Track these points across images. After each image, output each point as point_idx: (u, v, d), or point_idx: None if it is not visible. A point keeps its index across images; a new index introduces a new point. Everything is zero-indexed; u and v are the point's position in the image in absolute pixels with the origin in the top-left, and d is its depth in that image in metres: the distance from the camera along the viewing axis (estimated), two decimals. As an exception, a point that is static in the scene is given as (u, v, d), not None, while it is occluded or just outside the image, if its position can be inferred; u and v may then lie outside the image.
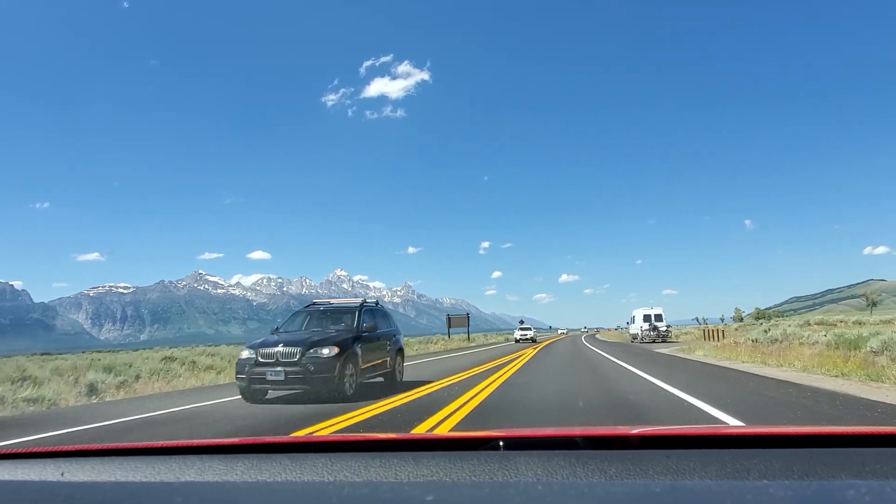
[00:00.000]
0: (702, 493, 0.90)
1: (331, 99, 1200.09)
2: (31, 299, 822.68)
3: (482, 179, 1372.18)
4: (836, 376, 9.80)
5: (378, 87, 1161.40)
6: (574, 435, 1.35)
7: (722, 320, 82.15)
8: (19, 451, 1.44)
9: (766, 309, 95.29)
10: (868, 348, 11.08)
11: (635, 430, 1.40)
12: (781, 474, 1.00)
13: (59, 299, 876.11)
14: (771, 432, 1.34)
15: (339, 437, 1.49)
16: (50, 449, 1.46)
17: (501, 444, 1.32)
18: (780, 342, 16.39)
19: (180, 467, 1.23)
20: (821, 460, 1.05)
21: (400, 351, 11.19)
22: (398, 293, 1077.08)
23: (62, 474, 1.24)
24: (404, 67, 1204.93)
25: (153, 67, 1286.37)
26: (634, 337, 37.03)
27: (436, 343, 40.95)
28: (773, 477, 0.99)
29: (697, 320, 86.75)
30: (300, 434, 5.62)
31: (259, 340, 8.91)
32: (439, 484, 1.04)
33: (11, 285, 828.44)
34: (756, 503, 0.81)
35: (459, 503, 0.91)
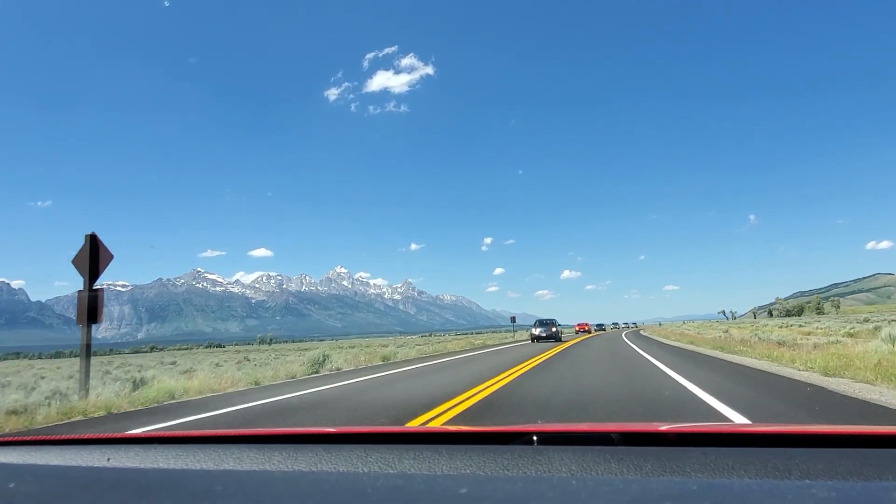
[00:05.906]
0: (740, 491, 0.87)
1: (333, 93, 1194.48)
2: (27, 298, 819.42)
3: (486, 176, 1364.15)
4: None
5: (381, 80, 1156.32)
6: (609, 431, 1.33)
7: (755, 316, 79.61)
8: (68, 437, 1.49)
9: (772, 304, 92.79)
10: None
11: (671, 427, 1.38)
12: (825, 474, 0.96)
13: (55, 298, 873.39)
14: (814, 431, 1.30)
15: (373, 428, 1.47)
16: (96, 436, 1.51)
17: (535, 438, 1.31)
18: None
19: (220, 456, 1.27)
20: (867, 460, 1.01)
21: None
22: (399, 290, 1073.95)
23: (108, 460, 1.30)
24: (408, 60, 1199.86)
25: (154, 67, 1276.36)
26: None
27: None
28: (816, 477, 0.96)
29: (724, 314, 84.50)
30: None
31: None
32: (473, 477, 1.04)
33: (7, 284, 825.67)
34: (797, 503, 0.79)
35: (493, 496, 0.91)
